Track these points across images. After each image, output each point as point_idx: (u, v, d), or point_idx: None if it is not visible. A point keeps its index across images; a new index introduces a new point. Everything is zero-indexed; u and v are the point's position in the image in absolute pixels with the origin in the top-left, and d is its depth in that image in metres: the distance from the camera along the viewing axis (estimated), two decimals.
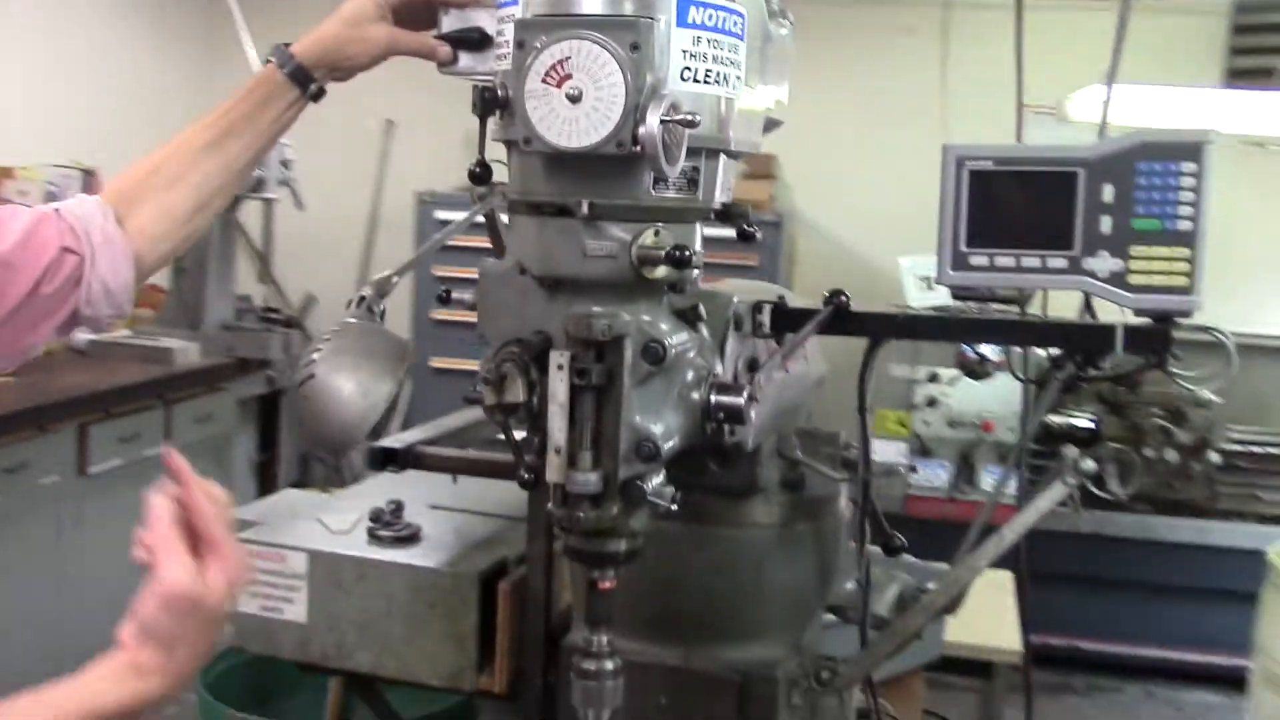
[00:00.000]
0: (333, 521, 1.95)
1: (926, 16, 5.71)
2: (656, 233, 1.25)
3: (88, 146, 5.27)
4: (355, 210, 6.66)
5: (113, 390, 4.13)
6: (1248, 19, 5.20)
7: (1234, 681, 4.45)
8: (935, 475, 4.86)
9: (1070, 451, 1.62)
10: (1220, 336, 1.53)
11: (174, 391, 4.50)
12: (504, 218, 1.57)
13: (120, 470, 4.22)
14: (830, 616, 1.87)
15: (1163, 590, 5.01)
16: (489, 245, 1.61)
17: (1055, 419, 4.76)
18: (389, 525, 1.93)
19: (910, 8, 6.01)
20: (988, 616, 3.24)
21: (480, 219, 1.57)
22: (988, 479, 4.84)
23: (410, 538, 1.91)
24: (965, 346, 4.72)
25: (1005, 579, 3.46)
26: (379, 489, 2.15)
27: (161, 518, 1.13)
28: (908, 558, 1.85)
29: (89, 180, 5.00)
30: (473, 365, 5.19)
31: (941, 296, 3.93)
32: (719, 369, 1.39)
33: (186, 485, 1.15)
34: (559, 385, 1.25)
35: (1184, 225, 1.40)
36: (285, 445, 5.80)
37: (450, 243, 6.17)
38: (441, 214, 5.72)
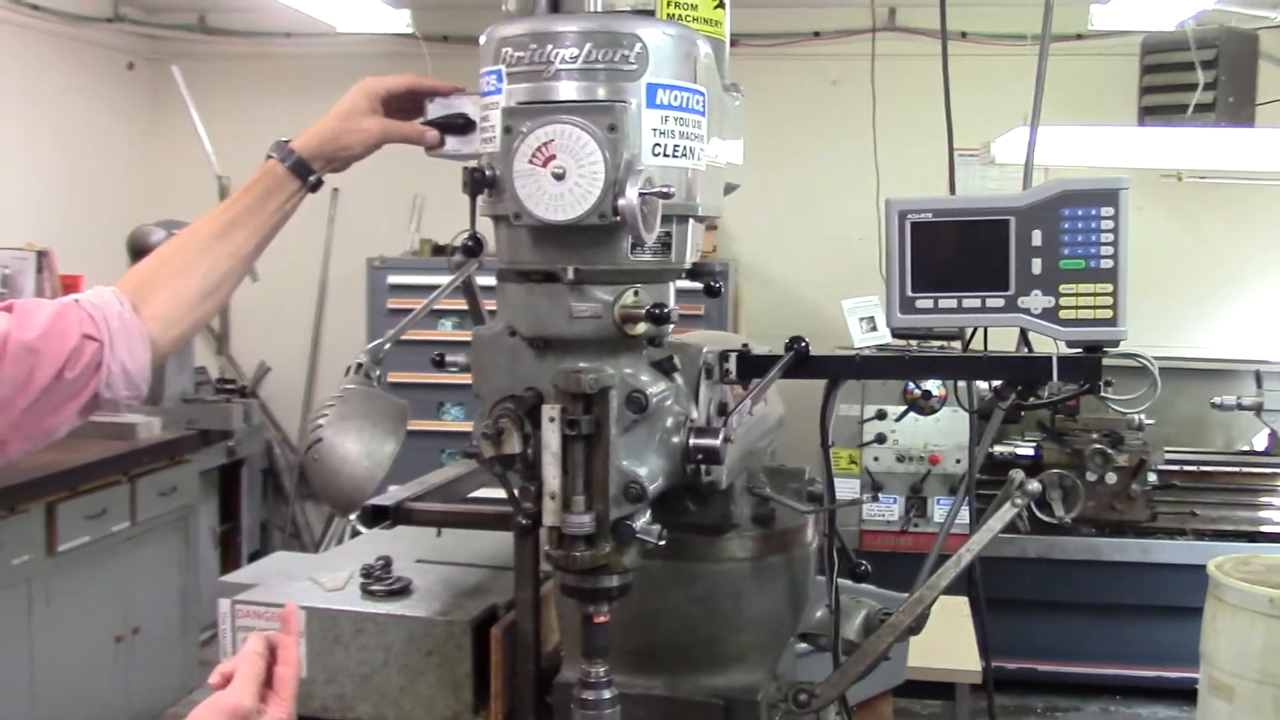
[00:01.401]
0: (326, 579, 2.04)
1: (853, 68, 5.92)
2: (636, 293, 1.39)
3: (41, 229, 5.34)
4: (305, 278, 6.73)
5: (78, 468, 4.16)
6: (1157, 59, 5.46)
7: (1186, 694, 4.61)
8: (888, 509, 5.00)
9: (1016, 474, 1.76)
10: (1145, 361, 1.68)
11: (138, 466, 4.54)
12: (480, 281, 1.69)
13: (88, 547, 4.25)
14: (803, 645, 1.99)
15: (1112, 609, 5.18)
16: (436, 309, 1.71)
17: (999, 449, 4.93)
18: (380, 580, 2.02)
19: (838, 60, 6.23)
20: (948, 641, 3.37)
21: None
22: (939, 510, 4.98)
23: (402, 590, 2.00)
24: (911, 384, 4.91)
25: (961, 604, 3.60)
26: (366, 547, 2.25)
27: (253, 651, 1.28)
28: (869, 587, 1.97)
29: (43, 261, 5.05)
30: (424, 424, 5.26)
31: (883, 336, 4.10)
32: (694, 414, 1.52)
33: (290, 635, 1.30)
34: (551, 436, 1.37)
35: (1106, 263, 1.55)
36: (246, 514, 5.84)
37: (396, 307, 6.22)
38: (394, 279, 5.81)
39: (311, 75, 6.72)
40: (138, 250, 5.04)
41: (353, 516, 3.12)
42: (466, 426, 5.75)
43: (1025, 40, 5.33)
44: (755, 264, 6.43)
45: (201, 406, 5.27)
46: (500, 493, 2.37)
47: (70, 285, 5.16)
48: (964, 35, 5.70)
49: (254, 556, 5.84)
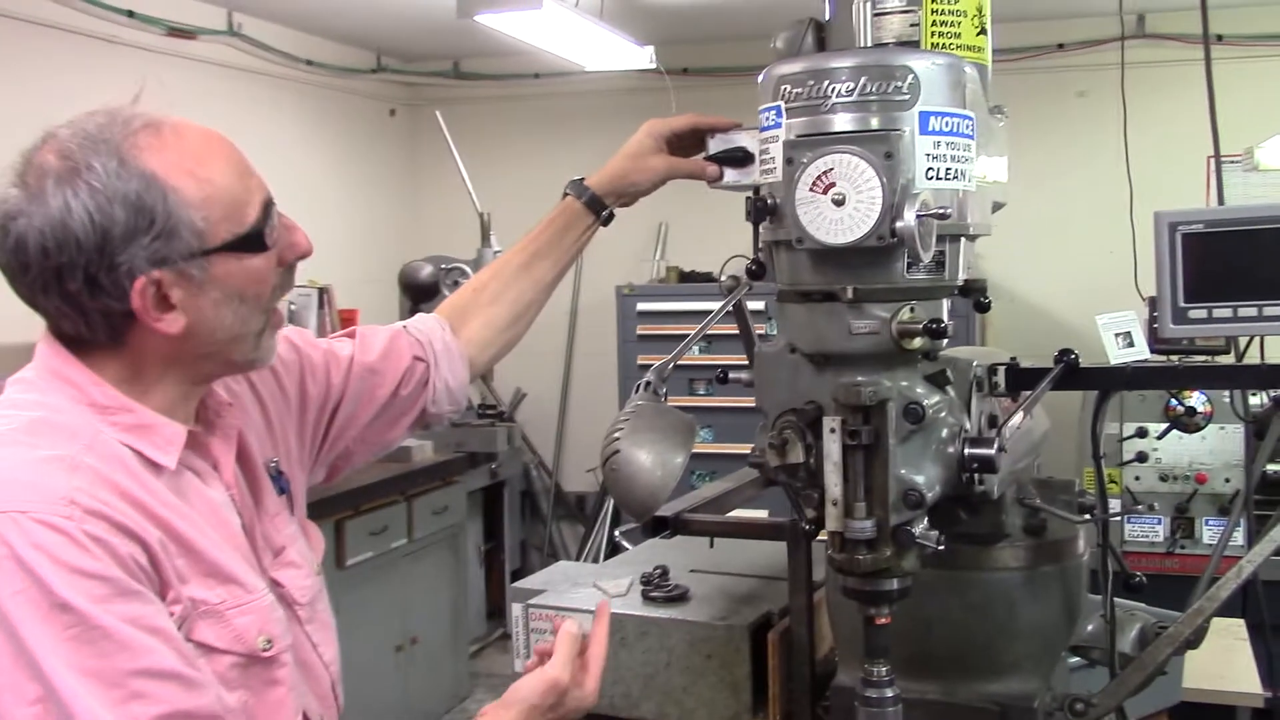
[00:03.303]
0: (609, 585, 2.18)
1: (1100, 78, 5.79)
2: (912, 309, 1.46)
3: (320, 267, 5.78)
4: (557, 306, 6.99)
5: (362, 488, 4.49)
6: None
7: None
8: (1152, 530, 4.84)
9: None
10: None
11: (414, 487, 4.86)
12: (751, 306, 1.80)
13: (371, 562, 4.58)
14: (1075, 659, 2.00)
15: None
16: (682, 335, 1.81)
17: (1274, 467, 4.70)
18: (660, 587, 2.15)
19: (1083, 71, 6.09)
20: (1224, 664, 3.25)
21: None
22: (1208, 532, 4.78)
23: (680, 597, 2.12)
24: (1173, 400, 4.73)
25: (1237, 628, 3.46)
26: (641, 557, 2.38)
27: (568, 634, 1.47)
28: (1139, 604, 1.96)
29: (324, 297, 5.48)
30: None
31: (1141, 352, 4.05)
32: (967, 425, 1.57)
33: (601, 624, 1.49)
34: (833, 446, 1.46)
35: None
36: (508, 534, 6.13)
37: (645, 333, 6.42)
38: (642, 305, 6.01)
39: (559, 113, 7.03)
40: (408, 285, 5.40)
41: (617, 533, 3.27)
42: (716, 448, 5.90)
43: None
44: (1001, 281, 6.33)
45: (468, 430, 5.58)
46: (754, 512, 2.47)
47: (348, 319, 5.57)
48: (1220, 38, 5.48)
49: (515, 575, 6.13)
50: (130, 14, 5.10)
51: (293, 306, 5.34)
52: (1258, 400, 3.56)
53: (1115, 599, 1.86)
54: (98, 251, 1.26)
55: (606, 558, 4.51)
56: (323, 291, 5.47)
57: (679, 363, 1.73)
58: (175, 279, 1.30)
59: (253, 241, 1.35)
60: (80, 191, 1.25)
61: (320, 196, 6.36)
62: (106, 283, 1.27)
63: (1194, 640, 1.80)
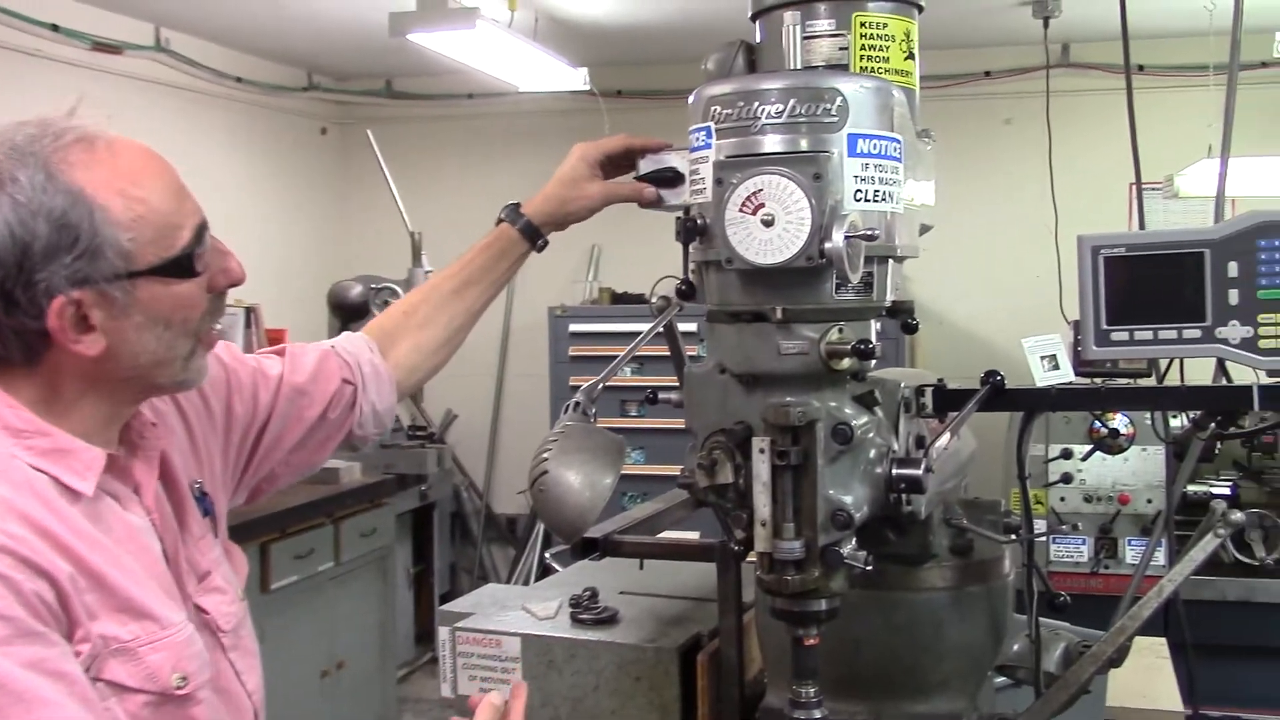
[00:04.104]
0: (537, 608, 2.16)
1: (1026, 106, 5.90)
2: (840, 330, 1.47)
3: (247, 286, 5.68)
4: (489, 327, 6.96)
5: (288, 510, 4.41)
6: None
7: None
8: (1076, 550, 4.91)
9: (1218, 504, 1.77)
10: None
11: (341, 509, 4.79)
12: (684, 327, 1.80)
13: (297, 586, 4.50)
14: (1001, 679, 2.02)
15: None
16: (615, 356, 1.80)
17: (1194, 488, 4.79)
18: (589, 609, 2.13)
19: (1009, 99, 6.21)
20: (1146, 683, 3.29)
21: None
22: (1130, 551, 4.86)
23: (609, 619, 2.10)
24: (1097, 422, 4.81)
25: (1159, 646, 3.51)
26: (570, 579, 2.36)
27: (491, 704, 1.41)
28: (1064, 624, 1.99)
29: (251, 316, 5.40)
30: None
31: (1066, 374, 4.08)
32: (895, 446, 1.58)
33: (518, 701, 1.43)
34: (762, 466, 1.46)
35: None
36: (437, 556, 6.07)
37: (577, 354, 6.41)
38: (575, 327, 6.00)
39: (492, 134, 7.02)
40: (338, 305, 5.34)
41: (548, 555, 3.26)
42: (647, 469, 5.90)
43: (1206, 71, 5.22)
44: (931, 304, 6.41)
45: (398, 452, 5.53)
46: (684, 534, 2.47)
47: (275, 338, 5.49)
48: (1141, 68, 5.61)
49: (444, 598, 6.07)
50: (54, 28, 5.00)
51: (218, 327, 5.24)
52: (1178, 422, 3.64)
53: (1040, 618, 1.87)
54: (16, 267, 1.23)
55: (537, 580, 4.49)
56: (250, 311, 5.40)
57: (610, 384, 1.72)
58: (96, 300, 1.26)
59: (181, 266, 1.32)
60: (2, 204, 1.22)
61: (249, 215, 6.28)
62: (23, 300, 1.24)
63: (1117, 659, 1.82)
